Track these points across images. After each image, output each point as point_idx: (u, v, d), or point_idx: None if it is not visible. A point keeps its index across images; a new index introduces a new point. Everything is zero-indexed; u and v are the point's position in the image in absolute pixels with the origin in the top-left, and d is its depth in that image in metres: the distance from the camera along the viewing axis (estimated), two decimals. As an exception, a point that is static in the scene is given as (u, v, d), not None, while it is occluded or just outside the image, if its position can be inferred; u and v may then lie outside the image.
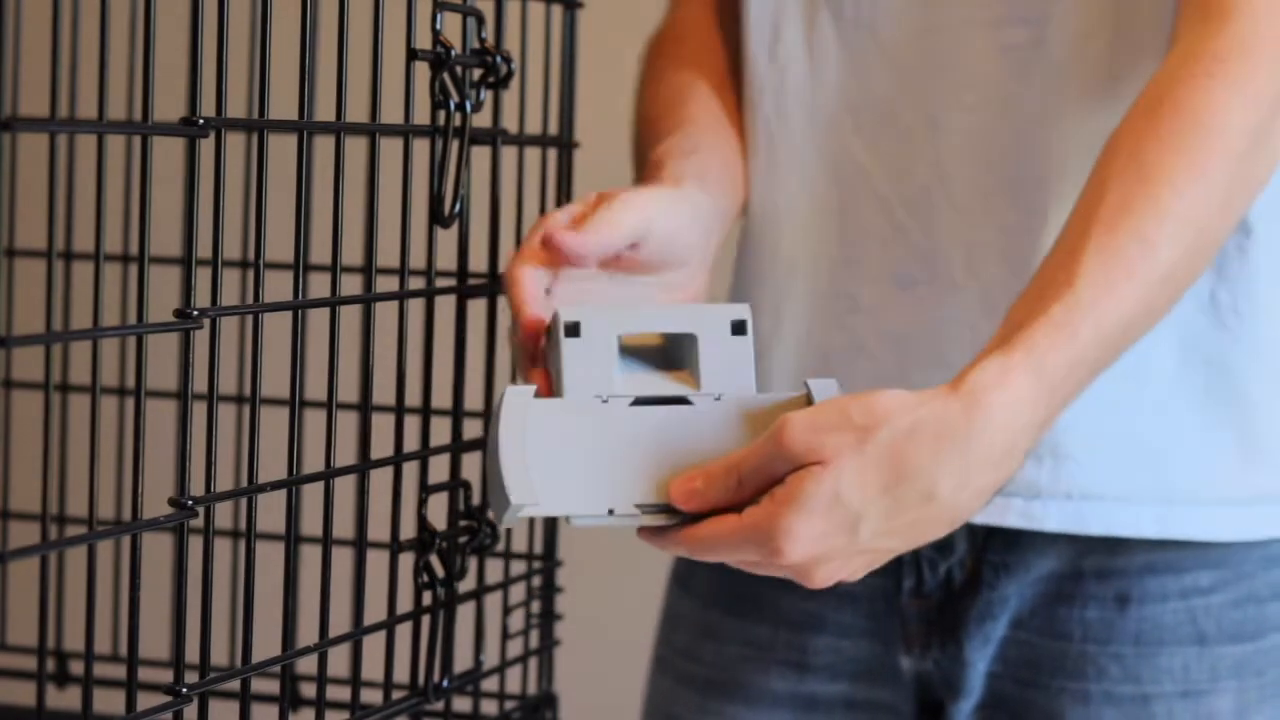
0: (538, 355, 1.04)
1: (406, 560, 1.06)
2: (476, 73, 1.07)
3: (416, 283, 1.07)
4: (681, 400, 1.01)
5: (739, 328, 1.02)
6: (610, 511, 0.99)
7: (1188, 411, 1.20)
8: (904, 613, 1.26)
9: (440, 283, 1.08)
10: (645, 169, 1.19)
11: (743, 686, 1.28)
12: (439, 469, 1.09)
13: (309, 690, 1.27)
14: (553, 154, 1.21)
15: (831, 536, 0.98)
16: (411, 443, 1.08)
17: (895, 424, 0.98)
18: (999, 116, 1.19)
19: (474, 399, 1.13)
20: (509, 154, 1.17)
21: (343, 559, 1.07)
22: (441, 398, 1.11)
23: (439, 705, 1.10)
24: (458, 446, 1.10)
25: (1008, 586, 1.23)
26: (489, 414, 1.14)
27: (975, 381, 1.00)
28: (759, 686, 1.28)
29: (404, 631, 1.07)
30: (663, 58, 1.30)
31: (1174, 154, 1.06)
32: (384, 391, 1.05)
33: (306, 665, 1.13)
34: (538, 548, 1.21)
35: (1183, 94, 1.07)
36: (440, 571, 1.08)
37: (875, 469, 0.98)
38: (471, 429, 1.12)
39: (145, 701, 0.91)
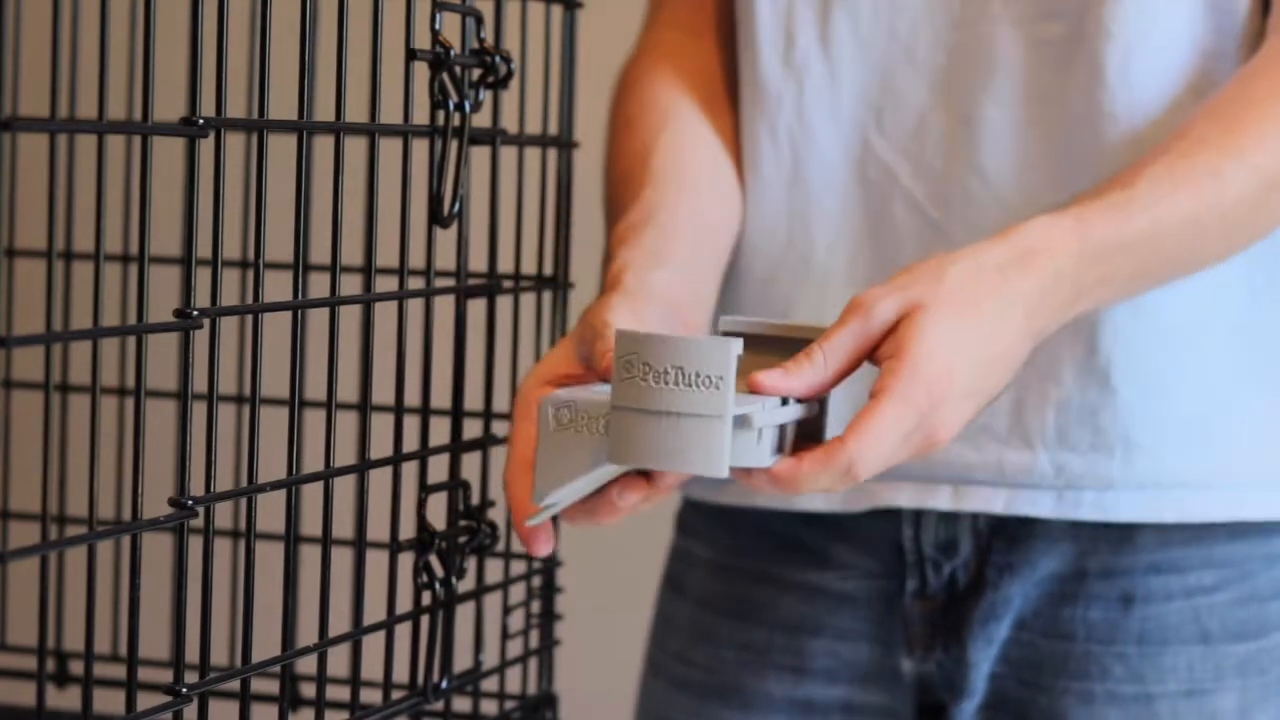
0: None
1: (406, 560, 1.06)
2: (476, 73, 1.07)
3: (416, 283, 1.07)
4: None
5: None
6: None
7: (1246, 395, 1.22)
8: (907, 614, 1.25)
9: (439, 283, 1.08)
10: (606, 258, 1.16)
11: (739, 691, 1.28)
12: (438, 469, 1.09)
13: (309, 690, 1.27)
14: (552, 154, 1.21)
15: (956, 371, 1.00)
16: (411, 443, 1.08)
17: (961, 264, 1.03)
18: (1039, 112, 1.19)
19: (473, 399, 1.13)
20: (509, 154, 1.17)
21: (342, 559, 1.07)
22: (441, 398, 1.11)
23: (439, 705, 1.10)
24: (457, 446, 1.10)
25: (1011, 587, 1.23)
26: (489, 413, 1.14)
27: (1021, 230, 1.05)
28: (755, 690, 1.28)
29: (404, 631, 1.07)
30: (633, 90, 1.28)
31: (1261, 111, 1.11)
32: (383, 391, 1.05)
33: (306, 665, 1.13)
34: (537, 548, 1.21)
35: (1277, 68, 1.12)
36: (440, 571, 1.08)
37: (962, 296, 1.02)
38: (471, 429, 1.12)
39: (145, 701, 0.91)
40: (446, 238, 1.07)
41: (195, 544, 0.93)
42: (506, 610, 1.18)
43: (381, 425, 1.05)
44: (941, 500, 1.22)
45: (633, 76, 1.28)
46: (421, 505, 1.07)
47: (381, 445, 1.04)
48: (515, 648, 1.19)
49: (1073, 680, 1.23)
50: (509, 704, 1.20)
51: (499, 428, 1.15)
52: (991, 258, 1.04)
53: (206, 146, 0.91)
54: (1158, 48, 1.17)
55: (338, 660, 1.04)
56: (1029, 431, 1.19)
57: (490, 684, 1.17)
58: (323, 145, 1.03)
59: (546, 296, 1.21)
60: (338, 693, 1.06)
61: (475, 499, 1.11)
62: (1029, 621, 1.24)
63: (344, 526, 1.08)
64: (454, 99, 1.05)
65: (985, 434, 1.21)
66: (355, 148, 1.02)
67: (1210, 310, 1.18)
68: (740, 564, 1.30)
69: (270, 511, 1.02)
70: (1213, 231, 1.11)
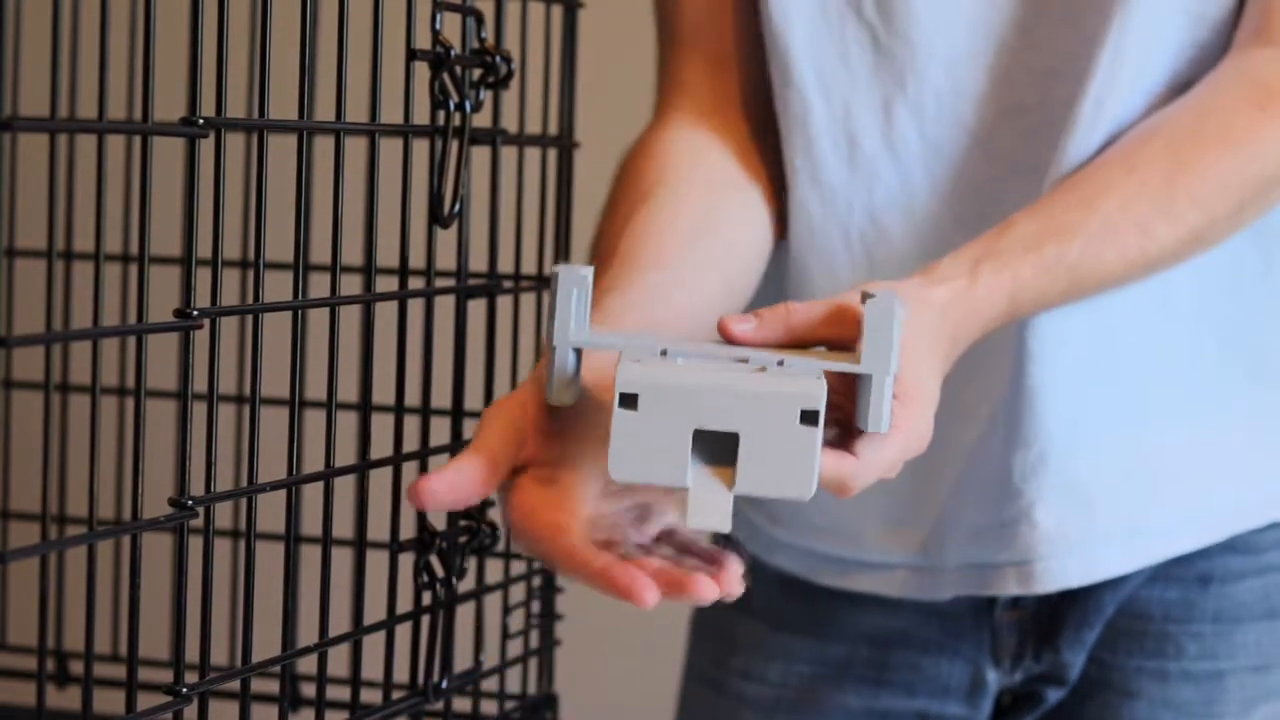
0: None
1: (406, 560, 1.06)
2: (476, 73, 1.07)
3: (416, 283, 1.07)
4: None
5: (809, 418, 0.92)
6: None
7: (1251, 431, 1.26)
8: (996, 625, 1.28)
9: (440, 283, 1.08)
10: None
11: (816, 705, 1.30)
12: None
13: (309, 690, 1.27)
14: (553, 154, 1.21)
15: (940, 366, 1.03)
16: (411, 443, 1.08)
17: (929, 312, 1.03)
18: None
19: (474, 399, 1.13)
20: (509, 154, 1.17)
21: (343, 559, 1.07)
22: (441, 398, 1.11)
23: (439, 705, 1.10)
24: (458, 446, 1.10)
25: (1104, 594, 1.26)
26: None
27: (970, 288, 1.06)
28: (833, 703, 1.30)
29: (404, 631, 1.07)
30: (622, 175, 1.21)
31: (1207, 163, 1.12)
32: (384, 391, 1.05)
33: (306, 665, 1.13)
34: (538, 548, 1.21)
35: (1233, 114, 1.13)
36: (440, 571, 1.08)
37: (932, 336, 1.03)
38: (471, 429, 1.12)
39: (145, 701, 0.91)
40: (447, 238, 1.07)
41: (195, 544, 0.93)
42: (506, 610, 1.18)
43: (382, 425, 1.05)
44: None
45: (628, 161, 1.24)
46: (422, 505, 1.07)
47: (382, 445, 1.04)
48: (515, 648, 1.19)
49: (1148, 659, 1.26)
50: (509, 704, 1.20)
51: (499, 428, 1.15)
52: (941, 312, 1.05)
53: (206, 146, 0.91)
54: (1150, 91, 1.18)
55: (338, 660, 1.04)
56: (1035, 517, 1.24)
57: (490, 684, 1.17)
58: (323, 145, 1.03)
59: (546, 296, 1.21)
60: (338, 693, 1.06)
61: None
62: (1113, 614, 1.27)
63: (344, 526, 1.08)
64: (454, 99, 1.05)
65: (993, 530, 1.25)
66: (355, 148, 1.02)
67: (1204, 363, 1.24)
68: (817, 582, 1.31)
69: (270, 511, 1.02)
70: (1133, 276, 1.14)
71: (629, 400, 0.91)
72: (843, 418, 0.98)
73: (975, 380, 1.19)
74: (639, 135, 1.25)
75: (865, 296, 0.95)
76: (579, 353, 0.95)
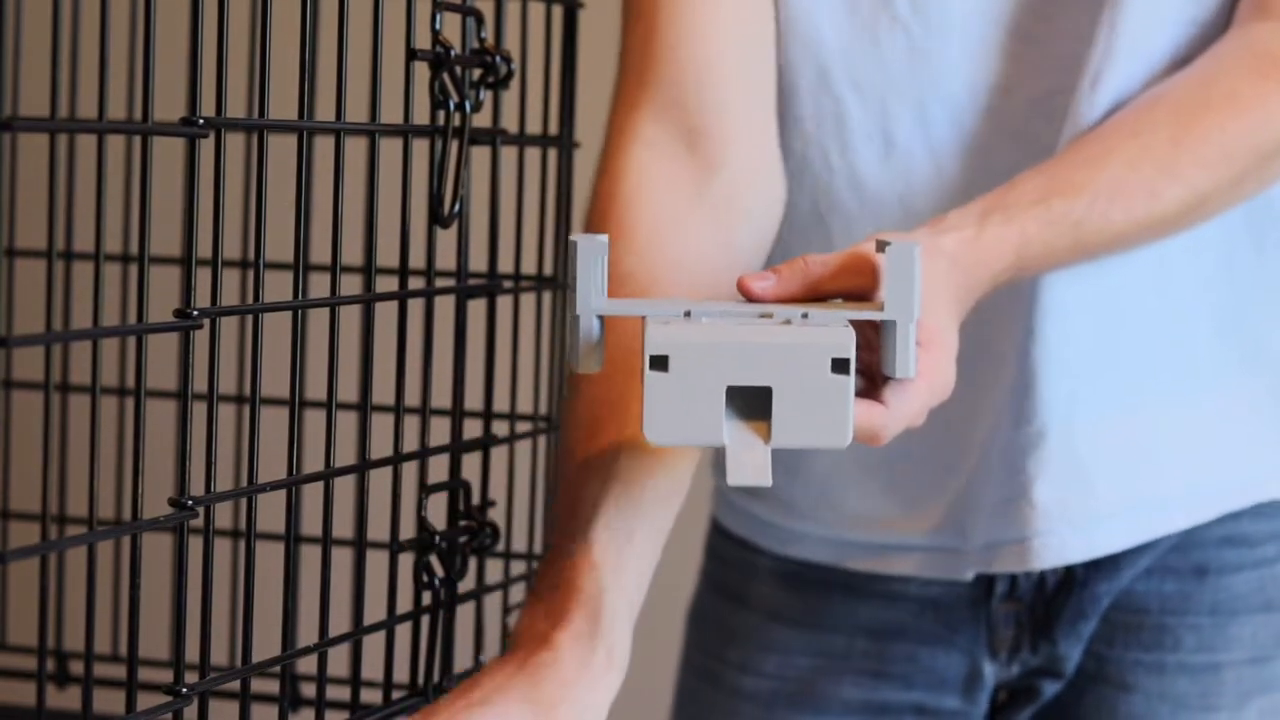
0: None
1: (406, 560, 1.06)
2: (476, 73, 1.07)
3: (416, 283, 1.07)
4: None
5: (840, 366, 0.92)
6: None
7: (1244, 412, 1.26)
8: (993, 617, 1.28)
9: (440, 283, 1.08)
10: (568, 509, 1.04)
11: (813, 697, 1.30)
12: (438, 469, 1.09)
13: (309, 690, 1.27)
14: (553, 154, 1.21)
15: (955, 314, 1.03)
16: (411, 443, 1.08)
17: (940, 261, 1.03)
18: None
19: (473, 399, 1.13)
20: (509, 154, 1.17)
21: (343, 559, 1.07)
22: (441, 398, 1.11)
23: (439, 705, 1.10)
24: (457, 446, 1.10)
25: (1099, 585, 1.26)
26: (489, 413, 1.14)
27: (978, 241, 1.06)
28: (831, 696, 1.30)
29: (404, 631, 1.07)
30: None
31: (1213, 127, 1.13)
32: (383, 391, 1.05)
33: (306, 665, 1.13)
34: (538, 548, 1.21)
35: (1238, 82, 1.14)
36: (440, 571, 1.08)
37: (946, 287, 1.03)
38: (471, 429, 1.12)
39: (145, 701, 0.91)
40: (447, 238, 1.07)
41: (195, 544, 0.93)
42: (506, 610, 1.18)
43: (381, 425, 1.05)
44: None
45: (596, 190, 1.17)
46: (421, 505, 1.07)
47: (381, 445, 1.04)
48: (515, 648, 1.19)
49: (1144, 652, 1.26)
50: (509, 704, 1.19)
51: (499, 428, 1.15)
52: (952, 261, 1.05)
53: (206, 146, 0.91)
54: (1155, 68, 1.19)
55: (338, 660, 1.04)
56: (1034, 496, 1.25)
57: (490, 684, 1.17)
58: (323, 145, 1.03)
59: (546, 296, 1.21)
60: (338, 693, 1.06)
61: (475, 499, 1.11)
62: (1109, 606, 1.27)
63: (344, 526, 1.08)
64: (454, 99, 1.05)
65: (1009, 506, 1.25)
66: (355, 148, 1.02)
67: (1197, 329, 1.24)
68: (814, 574, 1.31)
69: (270, 511, 1.02)
70: (1140, 238, 1.14)
71: (659, 362, 0.90)
72: (866, 368, 0.97)
73: (989, 356, 1.20)
74: (602, 159, 1.19)
75: (881, 245, 0.95)
76: (602, 320, 0.95)
